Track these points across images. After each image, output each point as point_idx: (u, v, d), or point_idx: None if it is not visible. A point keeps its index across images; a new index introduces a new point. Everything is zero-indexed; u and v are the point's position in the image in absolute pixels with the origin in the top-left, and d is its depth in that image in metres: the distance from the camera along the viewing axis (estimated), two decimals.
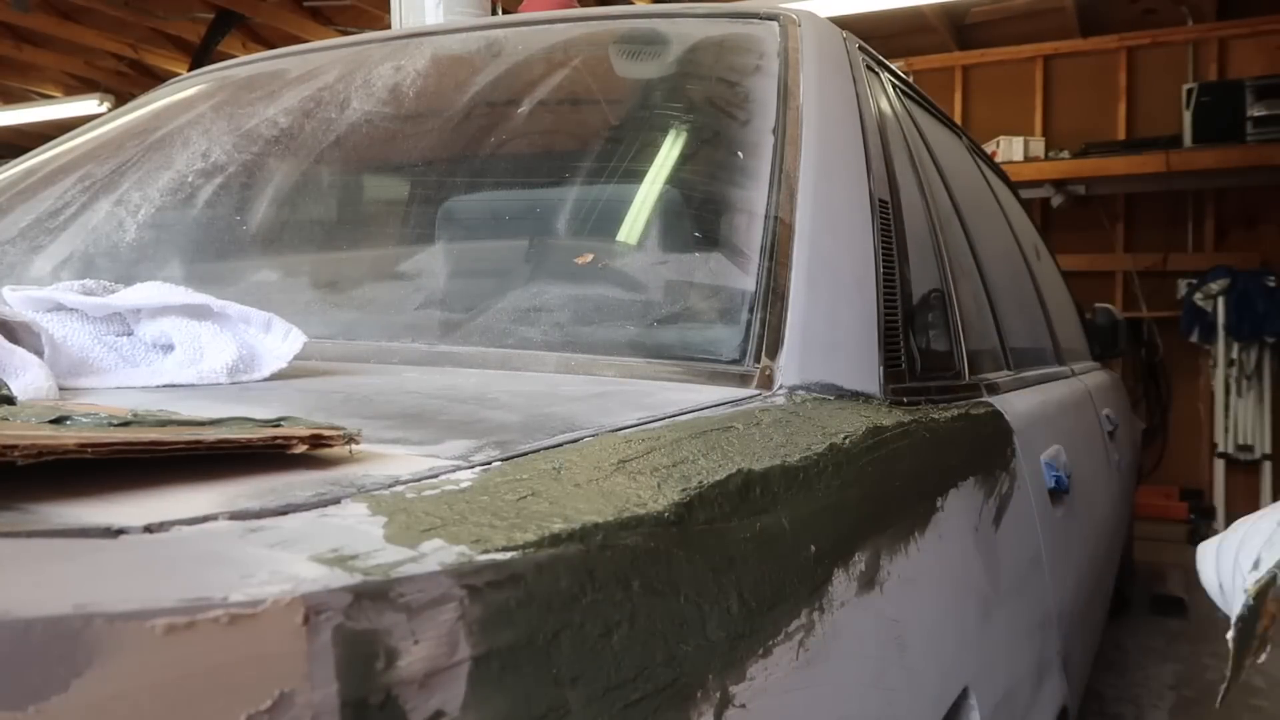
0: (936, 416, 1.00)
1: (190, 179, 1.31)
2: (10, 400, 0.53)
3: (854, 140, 1.12)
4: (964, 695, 0.86)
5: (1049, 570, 1.28)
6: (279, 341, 0.76)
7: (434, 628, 0.35)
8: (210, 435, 0.44)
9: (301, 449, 0.47)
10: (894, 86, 1.47)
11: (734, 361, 0.86)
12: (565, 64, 1.35)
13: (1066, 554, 1.44)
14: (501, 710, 0.36)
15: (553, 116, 1.29)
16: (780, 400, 0.80)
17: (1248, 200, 5.72)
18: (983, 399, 1.26)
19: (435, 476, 0.47)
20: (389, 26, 3.18)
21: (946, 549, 0.88)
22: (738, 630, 0.51)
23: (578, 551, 0.43)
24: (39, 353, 0.68)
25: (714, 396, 0.76)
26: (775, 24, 1.25)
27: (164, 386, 0.70)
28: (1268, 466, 5.42)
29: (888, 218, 1.10)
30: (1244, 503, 5.46)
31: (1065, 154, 5.72)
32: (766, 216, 0.97)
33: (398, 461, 0.49)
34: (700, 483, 0.54)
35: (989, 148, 5.33)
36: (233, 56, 3.00)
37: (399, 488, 0.44)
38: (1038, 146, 5.78)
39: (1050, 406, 1.64)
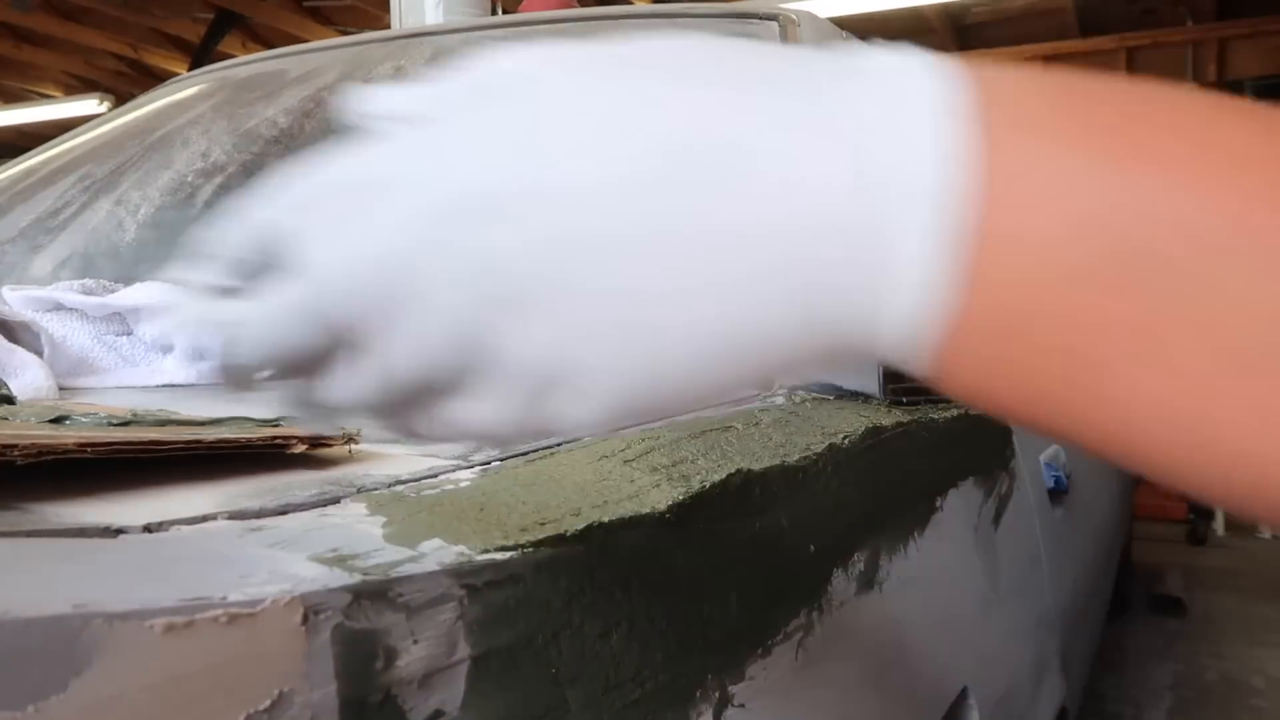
0: (936, 416, 1.01)
1: (190, 179, 1.31)
2: (10, 400, 0.53)
3: None
4: (963, 695, 0.86)
5: (1048, 570, 1.28)
6: None
7: (433, 627, 0.35)
8: (210, 435, 0.44)
9: (301, 449, 0.47)
10: None
11: None
12: None
13: (1066, 554, 1.44)
14: (501, 710, 0.36)
15: None
16: (779, 400, 0.80)
17: None
18: None
19: (435, 476, 0.47)
20: (389, 26, 3.18)
21: (946, 549, 0.88)
22: (737, 630, 0.51)
23: (577, 551, 0.43)
24: (39, 352, 0.68)
25: None
26: (775, 24, 1.25)
27: (164, 386, 0.71)
28: None
29: None
30: None
31: None
32: None
33: (397, 461, 0.49)
34: (699, 483, 0.54)
35: None
36: (232, 56, 3.00)
37: (398, 487, 0.44)
38: None
39: None
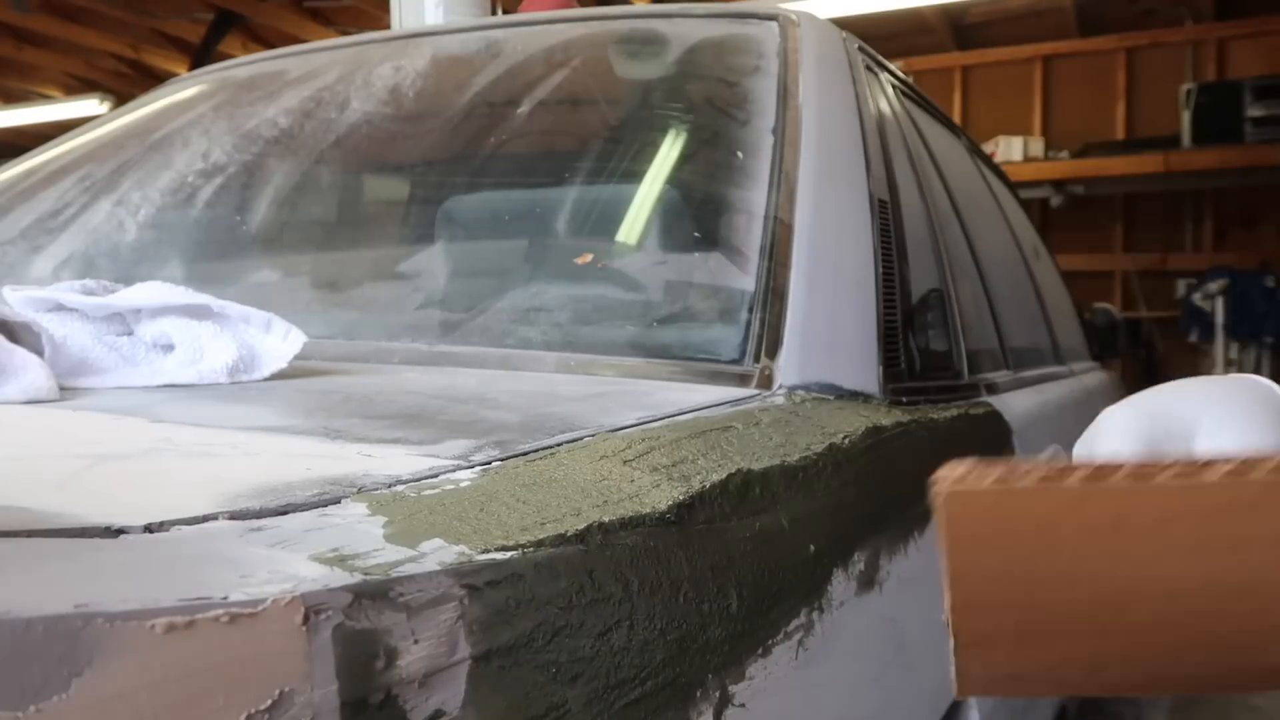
0: (935, 416, 1.01)
1: (190, 179, 1.31)
2: None
3: (853, 140, 1.12)
4: None
5: None
6: (279, 341, 0.76)
7: (434, 627, 0.35)
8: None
9: None
10: (893, 87, 1.47)
11: (733, 361, 0.86)
12: (565, 64, 1.35)
13: None
14: (501, 709, 0.36)
15: (552, 117, 1.29)
16: (780, 400, 0.81)
17: (1246, 201, 5.72)
18: (982, 399, 1.26)
19: (435, 476, 0.47)
20: (389, 27, 3.18)
21: None
22: (737, 629, 0.51)
23: (577, 551, 0.43)
24: (39, 353, 0.68)
25: (713, 396, 0.76)
26: (775, 24, 1.25)
27: (164, 386, 0.71)
28: None
29: (887, 218, 1.10)
30: None
31: (1064, 154, 5.73)
32: (766, 217, 0.97)
33: (398, 461, 0.49)
34: (700, 482, 0.54)
35: (988, 148, 5.33)
36: (232, 57, 3.00)
37: (399, 487, 0.44)
38: (1037, 147, 5.78)
39: (1049, 406, 1.64)
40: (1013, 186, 2.78)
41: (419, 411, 0.64)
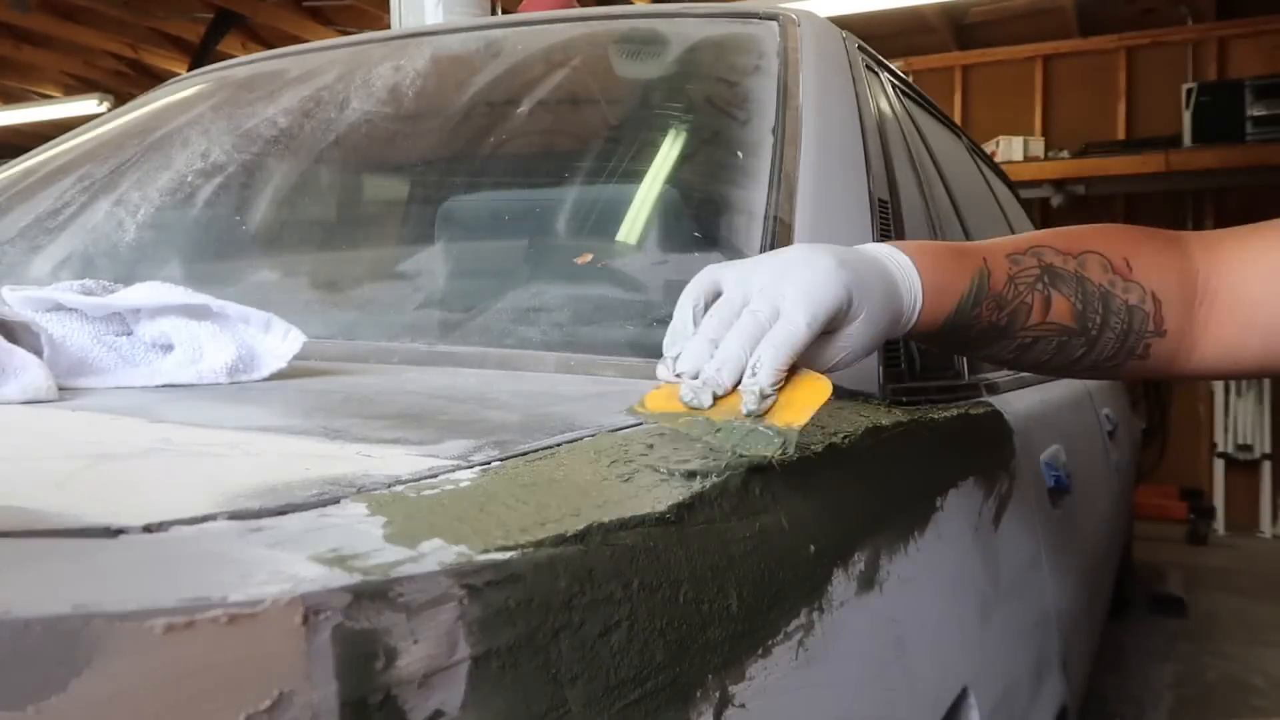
0: (936, 416, 1.01)
1: (190, 179, 1.31)
2: None
3: (854, 140, 1.12)
4: (963, 695, 0.86)
5: (1048, 570, 1.28)
6: (278, 341, 0.76)
7: (433, 627, 0.35)
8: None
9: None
10: (894, 86, 1.47)
11: None
12: (565, 64, 1.35)
13: (1066, 554, 1.44)
14: (501, 710, 0.36)
15: (552, 116, 1.29)
16: None
17: (1247, 200, 5.72)
18: (982, 399, 1.26)
19: (435, 476, 0.47)
20: (388, 26, 3.18)
21: (946, 549, 0.88)
22: (737, 630, 0.51)
23: (577, 551, 0.43)
24: (38, 352, 0.67)
25: None
26: (775, 24, 1.25)
27: (163, 386, 0.70)
28: (1267, 466, 5.42)
29: (887, 217, 1.10)
30: (1244, 502, 5.47)
31: (1065, 154, 5.72)
32: (766, 216, 0.97)
33: (398, 461, 0.49)
34: (699, 483, 0.54)
35: (988, 147, 5.33)
36: (232, 56, 3.00)
37: (399, 487, 0.44)
38: (1037, 146, 5.78)
39: (1049, 406, 1.64)
40: (1013, 186, 2.78)
41: (419, 411, 0.64)
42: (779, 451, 0.57)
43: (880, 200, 1.10)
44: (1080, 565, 1.59)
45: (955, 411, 1.08)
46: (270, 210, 1.30)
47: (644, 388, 0.79)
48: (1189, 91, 5.45)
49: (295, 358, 0.76)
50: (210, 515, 0.37)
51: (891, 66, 1.52)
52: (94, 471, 0.44)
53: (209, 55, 5.90)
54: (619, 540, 0.45)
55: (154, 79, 6.97)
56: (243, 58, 1.67)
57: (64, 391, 0.66)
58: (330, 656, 0.31)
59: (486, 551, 0.39)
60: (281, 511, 0.39)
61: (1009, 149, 5.63)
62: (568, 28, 1.42)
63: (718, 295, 0.67)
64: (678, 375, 0.63)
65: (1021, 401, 1.43)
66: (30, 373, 0.63)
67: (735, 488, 0.57)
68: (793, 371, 0.62)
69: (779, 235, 0.95)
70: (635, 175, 1.15)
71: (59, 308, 0.76)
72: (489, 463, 0.50)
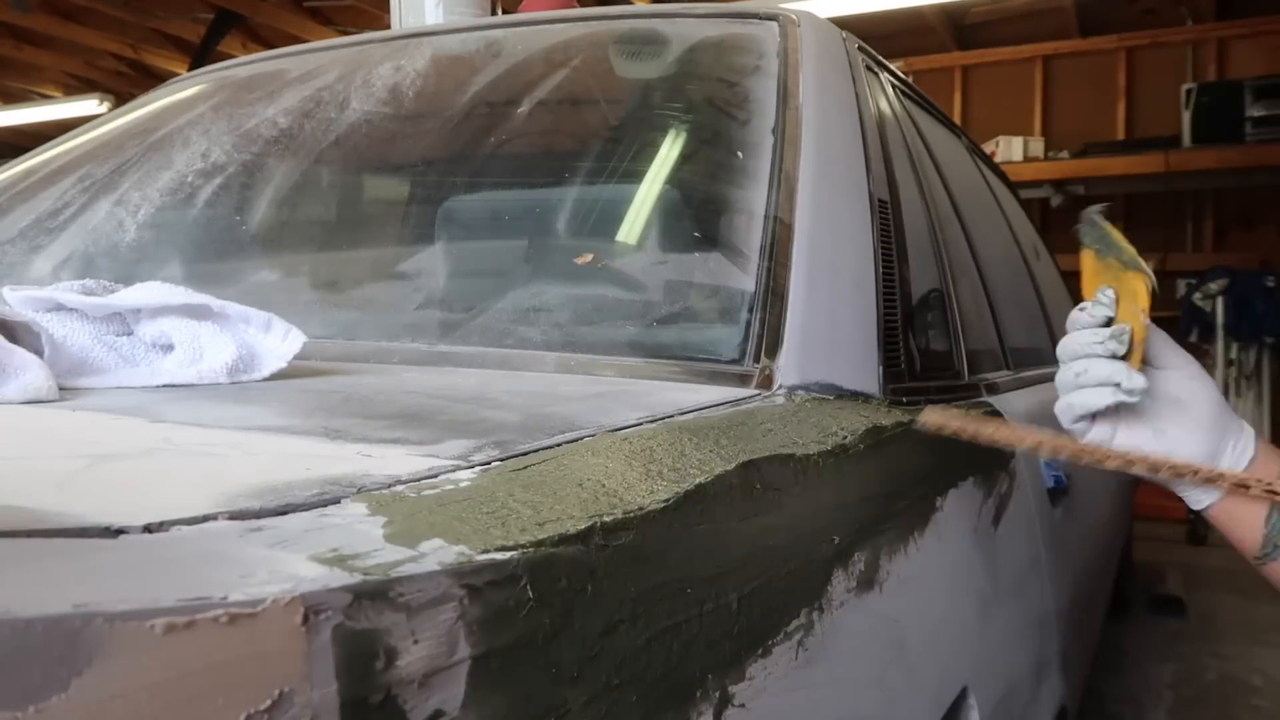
0: None
1: (190, 179, 1.31)
2: None
3: (853, 140, 1.12)
4: (963, 695, 0.86)
5: (1048, 570, 1.28)
6: (279, 341, 0.76)
7: (433, 627, 0.35)
8: None
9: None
10: (893, 87, 1.47)
11: (734, 361, 0.86)
12: (565, 64, 1.35)
13: (1065, 554, 1.44)
14: (501, 710, 0.36)
15: (552, 116, 1.29)
16: (780, 400, 0.81)
17: (1247, 200, 5.72)
18: (982, 399, 1.26)
19: (435, 476, 0.47)
20: (389, 26, 3.18)
21: (946, 549, 0.88)
22: (737, 629, 0.51)
23: (577, 551, 0.43)
24: (39, 352, 0.68)
25: (713, 396, 0.76)
26: (775, 24, 1.25)
27: (163, 386, 0.71)
28: None
29: (887, 218, 1.10)
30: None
31: (1064, 154, 5.73)
32: (766, 216, 0.97)
33: (398, 461, 0.49)
34: (700, 482, 0.54)
35: (988, 148, 5.33)
36: (232, 57, 3.00)
37: (399, 487, 0.44)
38: (1037, 147, 5.78)
39: (1050, 406, 1.64)
40: (1013, 186, 2.78)
41: (419, 411, 0.64)
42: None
43: (880, 200, 1.10)
44: (1080, 565, 1.59)
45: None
46: (270, 210, 1.30)
47: (644, 388, 0.79)
48: (1188, 92, 5.46)
49: (295, 358, 0.76)
50: (210, 515, 0.37)
51: (891, 67, 1.52)
52: (94, 471, 0.44)
53: (209, 55, 5.90)
54: (619, 540, 0.45)
55: (154, 79, 6.97)
56: (243, 58, 1.67)
57: (64, 391, 0.66)
58: (330, 656, 0.31)
59: (486, 551, 0.39)
60: (282, 511, 0.39)
61: (1009, 149, 5.64)
62: (568, 28, 1.43)
63: None
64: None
65: (1021, 401, 1.43)
66: (31, 372, 0.63)
67: (735, 488, 0.57)
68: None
69: (779, 235, 0.95)
70: (635, 175, 1.15)
71: (60, 308, 0.76)
72: (489, 463, 0.50)
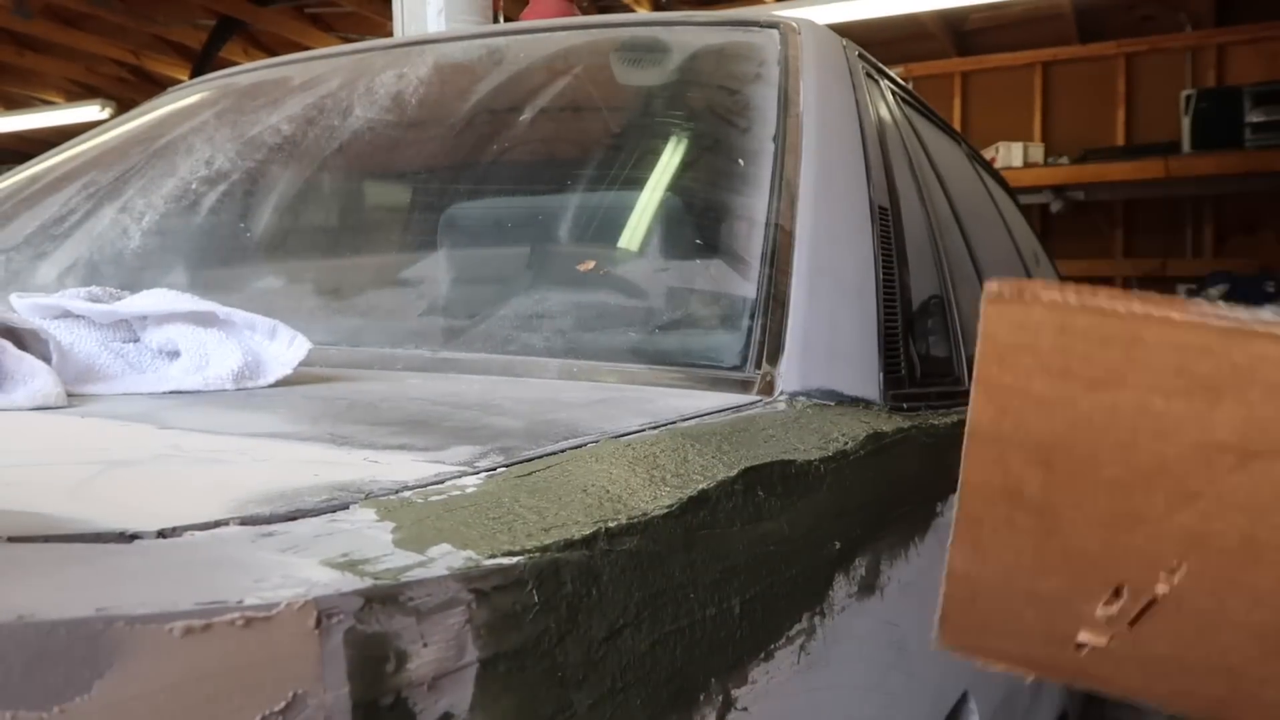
0: (936, 422, 1.01)
1: (194, 186, 1.32)
2: None
3: (854, 147, 1.13)
4: (963, 699, 0.87)
5: None
6: (284, 348, 0.77)
7: (442, 631, 0.35)
8: None
9: None
10: (893, 93, 1.48)
11: (735, 368, 0.87)
12: (567, 72, 1.36)
13: None
14: (508, 711, 0.37)
15: (554, 124, 1.30)
16: (781, 406, 0.81)
17: (1246, 206, 5.72)
18: None
19: (441, 482, 0.47)
20: (391, 34, 3.19)
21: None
22: (739, 634, 0.52)
23: (582, 556, 0.43)
24: (46, 359, 0.68)
25: (715, 403, 0.77)
26: (775, 32, 1.26)
27: (170, 393, 0.71)
28: None
29: (887, 224, 1.11)
30: None
31: (1064, 160, 5.73)
32: (767, 224, 0.98)
33: (404, 467, 0.49)
34: (703, 488, 0.55)
35: (988, 154, 5.34)
36: (234, 63, 3.01)
37: (406, 493, 0.45)
38: (1037, 152, 5.79)
39: None
40: (1013, 192, 2.78)
41: (424, 418, 0.65)
42: None
43: (880, 207, 1.10)
44: None
45: (956, 417, 1.09)
46: (274, 217, 1.31)
47: (646, 394, 0.80)
48: (1188, 98, 5.47)
49: (300, 364, 0.77)
50: (222, 521, 0.38)
51: (891, 73, 1.53)
52: (106, 477, 0.44)
53: (211, 62, 5.91)
54: (624, 545, 0.46)
55: (156, 85, 6.98)
56: (245, 65, 1.68)
57: (72, 398, 0.67)
58: (342, 659, 0.31)
59: (493, 556, 0.39)
60: (292, 517, 0.40)
61: (1008, 155, 5.65)
62: (569, 36, 1.43)
63: None
64: None
65: None
66: (39, 379, 0.64)
67: (738, 493, 0.58)
68: None
69: (780, 242, 0.96)
70: (637, 182, 1.16)
71: (67, 315, 0.77)
72: (494, 469, 0.51)
